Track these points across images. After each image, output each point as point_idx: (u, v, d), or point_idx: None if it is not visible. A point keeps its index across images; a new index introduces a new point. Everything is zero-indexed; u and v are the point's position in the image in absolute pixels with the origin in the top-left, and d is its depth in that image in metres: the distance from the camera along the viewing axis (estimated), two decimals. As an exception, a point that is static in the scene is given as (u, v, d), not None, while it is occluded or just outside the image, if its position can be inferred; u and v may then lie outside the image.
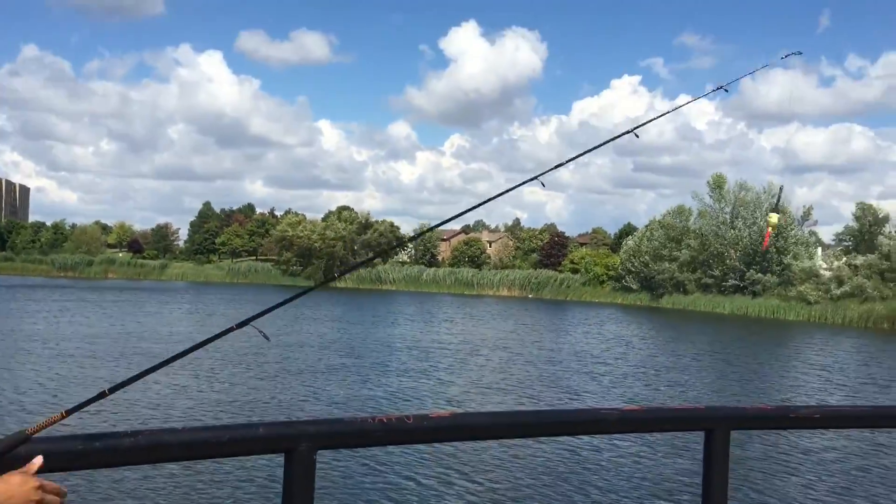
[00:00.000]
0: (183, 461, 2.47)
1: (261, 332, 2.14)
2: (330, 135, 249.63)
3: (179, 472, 11.07)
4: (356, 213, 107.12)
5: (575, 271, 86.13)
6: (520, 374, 23.74)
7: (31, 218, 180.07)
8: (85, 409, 1.89)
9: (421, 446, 13.02)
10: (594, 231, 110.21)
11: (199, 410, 16.00)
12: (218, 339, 2.11)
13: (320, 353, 25.83)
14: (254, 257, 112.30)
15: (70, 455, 1.82)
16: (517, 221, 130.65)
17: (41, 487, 1.67)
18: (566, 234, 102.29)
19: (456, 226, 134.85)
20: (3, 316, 37.25)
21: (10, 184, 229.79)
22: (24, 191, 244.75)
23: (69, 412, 1.86)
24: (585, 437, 13.79)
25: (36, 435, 1.82)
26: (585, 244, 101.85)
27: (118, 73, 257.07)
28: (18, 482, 1.65)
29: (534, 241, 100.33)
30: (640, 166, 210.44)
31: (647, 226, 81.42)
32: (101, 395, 1.93)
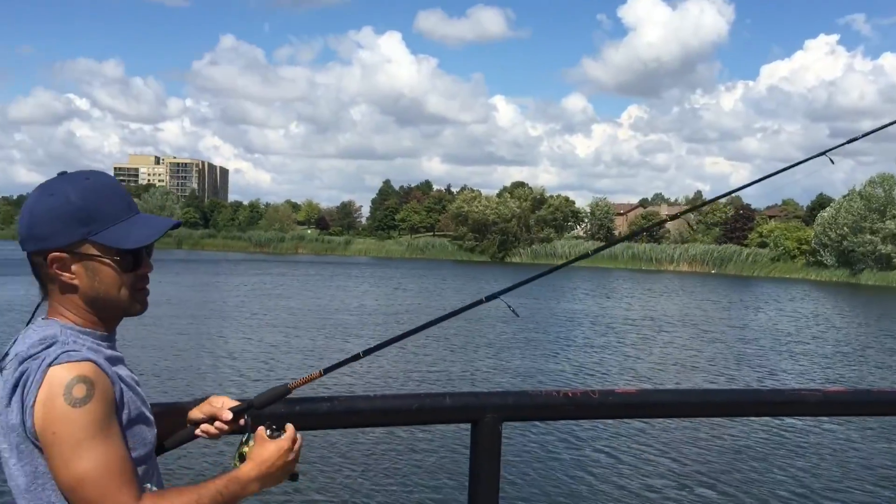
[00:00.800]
0: (375, 427, 2.65)
1: (510, 306, 2.19)
2: (504, 111, 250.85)
3: (373, 434, 11.71)
4: (530, 188, 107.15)
5: (763, 245, 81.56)
6: (709, 352, 22.99)
7: (230, 198, 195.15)
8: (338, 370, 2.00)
9: (607, 422, 13.01)
10: (784, 203, 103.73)
11: (392, 379, 16.84)
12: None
13: (504, 326, 26.30)
14: (431, 233, 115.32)
15: (272, 419, 1.91)
16: (699, 194, 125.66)
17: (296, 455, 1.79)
18: (752, 207, 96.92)
19: (633, 199, 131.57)
20: (225, 288, 40.77)
21: (211, 166, 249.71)
22: (224, 172, 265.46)
23: (327, 370, 1.98)
24: (783, 419, 13.20)
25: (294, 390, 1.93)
26: (774, 217, 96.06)
27: (305, 58, 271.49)
28: (290, 443, 1.77)
29: (717, 215, 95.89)
30: (837, 132, 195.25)
31: (845, 196, 75.42)
32: (356, 357, 2.03)
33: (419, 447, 11.43)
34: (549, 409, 2.44)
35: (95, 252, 1.64)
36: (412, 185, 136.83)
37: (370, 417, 2.29)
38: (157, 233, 1.69)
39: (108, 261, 1.65)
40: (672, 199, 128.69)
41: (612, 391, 2.47)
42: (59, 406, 1.50)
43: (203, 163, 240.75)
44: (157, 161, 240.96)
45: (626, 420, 12.55)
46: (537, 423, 11.93)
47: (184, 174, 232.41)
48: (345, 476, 9.98)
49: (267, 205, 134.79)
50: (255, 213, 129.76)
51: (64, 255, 1.63)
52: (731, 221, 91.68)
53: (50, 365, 1.52)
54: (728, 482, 10.64)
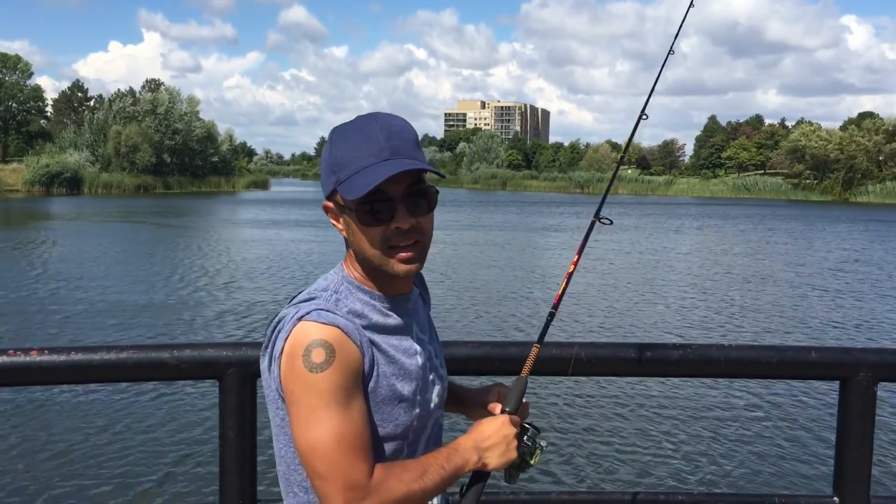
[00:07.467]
0: (727, 378, 2.42)
1: None
2: (857, 32, 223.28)
3: (718, 385, 11.23)
4: (882, 119, 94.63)
5: None
6: None
7: (551, 139, 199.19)
8: None
9: None
10: None
11: (755, 327, 16.09)
12: None
13: (865, 273, 23.82)
14: (761, 171, 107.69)
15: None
16: None
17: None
18: None
19: None
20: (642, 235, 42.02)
21: (533, 108, 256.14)
22: (546, 114, 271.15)
23: None
24: None
25: None
26: None
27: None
28: (507, 420, 1.64)
29: None
30: None
31: None
32: None
33: (785, 406, 10.75)
34: None
35: (341, 202, 1.53)
36: (741, 121, 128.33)
37: (723, 368, 2.16)
38: (375, 180, 1.44)
39: (351, 213, 1.52)
40: None
41: None
42: (298, 367, 1.44)
43: (525, 105, 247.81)
44: (483, 105, 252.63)
45: None
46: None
47: (507, 117, 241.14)
48: (700, 420, 9.78)
49: (587, 145, 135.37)
50: (575, 154, 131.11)
51: (329, 204, 1.58)
52: None
53: (300, 319, 1.46)
54: None
